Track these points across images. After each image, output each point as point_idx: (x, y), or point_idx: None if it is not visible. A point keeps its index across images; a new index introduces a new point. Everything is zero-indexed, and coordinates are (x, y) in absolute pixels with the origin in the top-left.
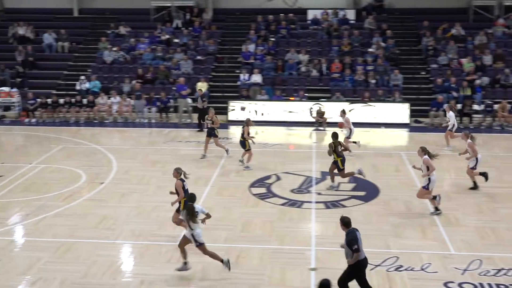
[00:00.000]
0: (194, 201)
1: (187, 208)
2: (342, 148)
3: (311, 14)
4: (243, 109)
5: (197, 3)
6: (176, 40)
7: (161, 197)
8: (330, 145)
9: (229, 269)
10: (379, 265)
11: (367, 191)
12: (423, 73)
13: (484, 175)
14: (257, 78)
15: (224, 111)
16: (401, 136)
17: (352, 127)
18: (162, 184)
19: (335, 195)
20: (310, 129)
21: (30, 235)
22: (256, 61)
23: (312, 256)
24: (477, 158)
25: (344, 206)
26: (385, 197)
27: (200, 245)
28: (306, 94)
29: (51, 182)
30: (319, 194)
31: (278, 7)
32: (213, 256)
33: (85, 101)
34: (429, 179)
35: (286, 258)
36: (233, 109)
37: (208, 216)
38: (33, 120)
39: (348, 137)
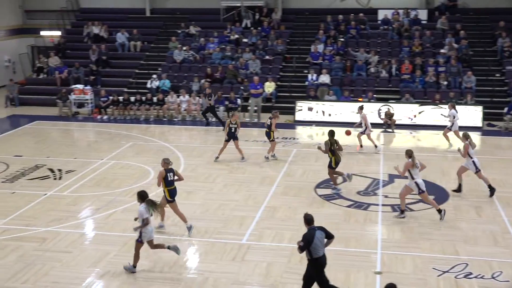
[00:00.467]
0: (147, 197)
1: (149, 203)
2: (337, 147)
3: (381, 14)
4: (310, 109)
5: (267, 3)
6: (245, 40)
7: (227, 195)
8: (326, 143)
9: (178, 253)
10: (447, 272)
11: (436, 195)
12: (498, 75)
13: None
14: (325, 78)
15: (291, 111)
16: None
17: (369, 124)
18: (228, 182)
19: None
20: (378, 130)
21: (100, 229)
22: (325, 61)
23: (377, 259)
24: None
25: (411, 209)
26: (454, 202)
27: (140, 242)
28: (375, 95)
29: (121, 178)
30: (386, 197)
31: (350, 7)
32: (159, 246)
33: (155, 99)
34: (415, 182)
35: (351, 260)
36: (300, 109)
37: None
38: (105, 117)
39: (362, 133)
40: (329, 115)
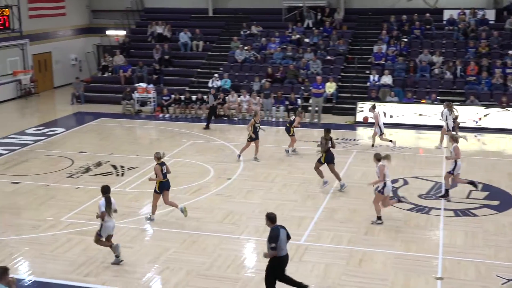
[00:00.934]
0: (108, 192)
1: (105, 199)
2: (331, 145)
3: (447, 14)
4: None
5: (329, 3)
6: (306, 40)
7: (286, 195)
8: (322, 139)
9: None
10: (511, 280)
11: (501, 200)
12: None
13: (473, 184)
14: (387, 79)
15: (352, 112)
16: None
17: (381, 124)
18: (286, 182)
19: (466, 203)
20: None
21: (159, 226)
22: (387, 62)
23: (439, 265)
24: (456, 163)
25: (475, 215)
26: None
27: (99, 236)
28: (439, 97)
29: (181, 176)
30: (449, 201)
31: (416, 7)
32: (104, 244)
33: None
34: (385, 183)
35: (411, 265)
36: (362, 110)
37: (115, 211)
38: (167, 115)
39: (381, 134)
40: (391, 116)
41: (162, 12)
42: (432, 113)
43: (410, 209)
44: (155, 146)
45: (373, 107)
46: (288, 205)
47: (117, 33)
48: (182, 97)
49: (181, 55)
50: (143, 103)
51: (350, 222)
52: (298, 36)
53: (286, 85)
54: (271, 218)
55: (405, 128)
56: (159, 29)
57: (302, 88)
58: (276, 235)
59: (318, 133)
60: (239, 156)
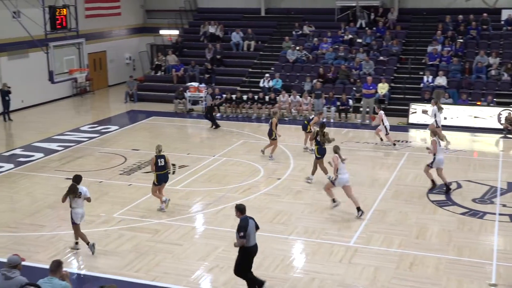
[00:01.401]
0: (78, 182)
1: (69, 187)
2: (325, 138)
3: (505, 14)
4: (424, 112)
5: (383, 2)
6: (359, 40)
7: (336, 196)
8: (316, 132)
9: (93, 253)
10: None
11: None
12: None
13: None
14: (441, 80)
15: (404, 113)
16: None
17: (386, 124)
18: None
19: None
20: (497, 136)
21: (209, 224)
22: (442, 62)
23: (493, 271)
24: (435, 157)
25: None
26: None
27: (74, 225)
28: (495, 99)
29: (231, 175)
30: (504, 206)
31: (473, 6)
32: (82, 238)
33: (267, 98)
34: (338, 176)
35: (464, 270)
36: (414, 112)
37: (88, 200)
38: (218, 114)
39: (387, 133)
40: (445, 118)
41: (215, 12)
42: (488, 115)
43: (463, 213)
44: (206, 144)
45: (379, 107)
46: (339, 206)
47: (170, 33)
48: (233, 96)
49: (233, 55)
50: (195, 102)
51: (401, 225)
52: (350, 36)
53: (337, 85)
54: (240, 209)
55: (459, 130)
56: (211, 29)
57: (354, 88)
58: (245, 225)
59: (369, 134)
60: (271, 156)
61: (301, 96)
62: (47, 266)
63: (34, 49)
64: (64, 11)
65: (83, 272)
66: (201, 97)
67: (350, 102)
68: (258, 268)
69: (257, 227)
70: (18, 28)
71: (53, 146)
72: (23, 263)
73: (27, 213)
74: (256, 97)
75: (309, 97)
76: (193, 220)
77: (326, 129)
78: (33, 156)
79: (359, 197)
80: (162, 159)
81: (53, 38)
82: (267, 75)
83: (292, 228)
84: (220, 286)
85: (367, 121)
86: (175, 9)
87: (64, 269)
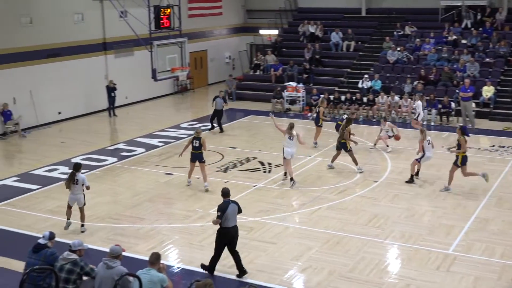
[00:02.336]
0: (77, 169)
1: (69, 174)
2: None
3: None
4: None
5: (490, 2)
6: (463, 41)
7: (434, 202)
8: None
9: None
10: None
11: None
12: None
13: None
14: None
15: (511, 118)
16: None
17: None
18: (436, 188)
19: None
20: None
21: (303, 224)
22: None
23: None
24: (424, 154)
25: None
26: None
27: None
28: None
29: (327, 176)
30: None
31: None
32: (68, 216)
33: (365, 99)
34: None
35: None
36: None
37: (87, 188)
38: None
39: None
40: None
41: (315, 12)
42: None
43: None
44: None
45: (385, 119)
46: (436, 212)
47: (270, 32)
48: (331, 97)
49: (331, 55)
50: (292, 102)
51: (504, 234)
52: (455, 37)
53: (439, 87)
54: (223, 193)
55: None
56: (311, 29)
57: (457, 91)
58: (225, 207)
59: (472, 138)
60: (315, 143)
61: (400, 98)
62: (146, 258)
63: (139, 48)
64: (168, 11)
65: (179, 265)
66: (299, 97)
67: (453, 105)
68: (352, 271)
69: (239, 211)
70: (124, 27)
71: (154, 141)
72: (123, 253)
73: (128, 205)
74: (354, 98)
75: (408, 99)
76: (287, 220)
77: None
78: (135, 150)
79: (460, 204)
80: (197, 141)
81: (157, 37)
82: (366, 75)
83: (388, 232)
84: (313, 287)
85: (469, 125)
86: (275, 9)
87: (161, 261)
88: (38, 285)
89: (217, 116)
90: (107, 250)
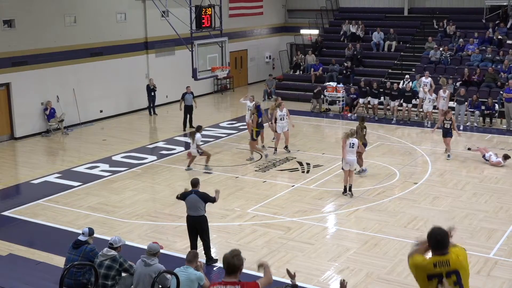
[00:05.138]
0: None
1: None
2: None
3: None
4: None
5: None
6: (509, 41)
7: (476, 204)
8: (357, 127)
9: None
10: None
11: None
12: None
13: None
14: None
15: None
16: None
17: None
18: (477, 191)
19: None
20: None
21: (341, 225)
22: None
23: None
24: None
25: None
26: None
27: None
28: None
29: (366, 177)
30: None
31: None
32: None
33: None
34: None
35: None
36: None
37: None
38: (354, 115)
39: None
40: None
41: (357, 12)
42: None
43: None
44: (340, 145)
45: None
46: (478, 215)
47: (310, 32)
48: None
49: (372, 55)
50: (332, 102)
51: None
52: (500, 37)
53: (483, 88)
54: (191, 183)
55: None
56: (352, 28)
57: (501, 92)
58: (185, 195)
59: None
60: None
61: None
62: (184, 256)
63: (180, 47)
64: (209, 11)
65: (216, 264)
66: (339, 97)
67: (496, 106)
68: (390, 273)
69: (201, 197)
70: (166, 27)
71: None
72: (161, 251)
73: (167, 203)
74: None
75: (434, 94)
76: (325, 220)
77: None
78: (174, 149)
79: (502, 207)
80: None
81: (198, 37)
82: (407, 76)
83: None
84: None
85: None
86: (316, 9)
87: (199, 260)
88: (77, 280)
89: (188, 112)
90: (145, 247)
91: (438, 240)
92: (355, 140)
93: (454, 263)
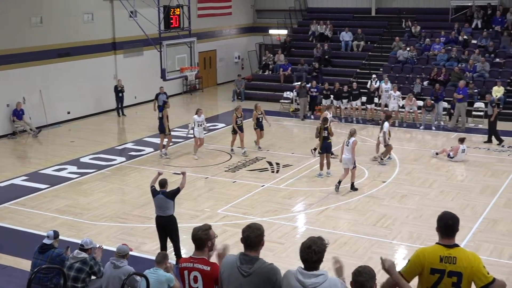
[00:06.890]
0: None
1: None
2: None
3: None
4: None
5: (501, 2)
6: (474, 41)
7: (443, 202)
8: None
9: None
10: None
11: None
12: None
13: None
14: None
15: None
16: None
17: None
18: (445, 189)
19: None
20: None
21: (311, 224)
22: None
23: None
24: None
25: None
26: None
27: None
28: None
29: (335, 176)
30: None
31: None
32: None
33: (376, 100)
34: None
35: None
36: None
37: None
38: (314, 114)
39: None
40: None
41: (325, 12)
42: None
43: None
44: (309, 144)
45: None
46: None
47: (279, 32)
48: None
49: (341, 55)
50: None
51: None
52: (465, 37)
53: (448, 87)
54: (159, 183)
55: None
56: (320, 29)
57: (468, 91)
58: (153, 194)
59: (477, 139)
60: (232, 149)
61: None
62: (153, 257)
63: (148, 48)
64: (178, 11)
65: None
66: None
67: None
68: None
69: (169, 197)
70: (134, 27)
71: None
72: (130, 253)
73: (136, 205)
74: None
75: (413, 99)
76: (295, 220)
77: None
78: (143, 150)
79: (469, 204)
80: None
81: (167, 37)
82: (374, 75)
83: (396, 233)
84: None
85: (479, 125)
86: (284, 9)
87: (168, 261)
88: (45, 285)
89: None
90: (115, 249)
91: (450, 224)
92: (351, 139)
93: (460, 261)
